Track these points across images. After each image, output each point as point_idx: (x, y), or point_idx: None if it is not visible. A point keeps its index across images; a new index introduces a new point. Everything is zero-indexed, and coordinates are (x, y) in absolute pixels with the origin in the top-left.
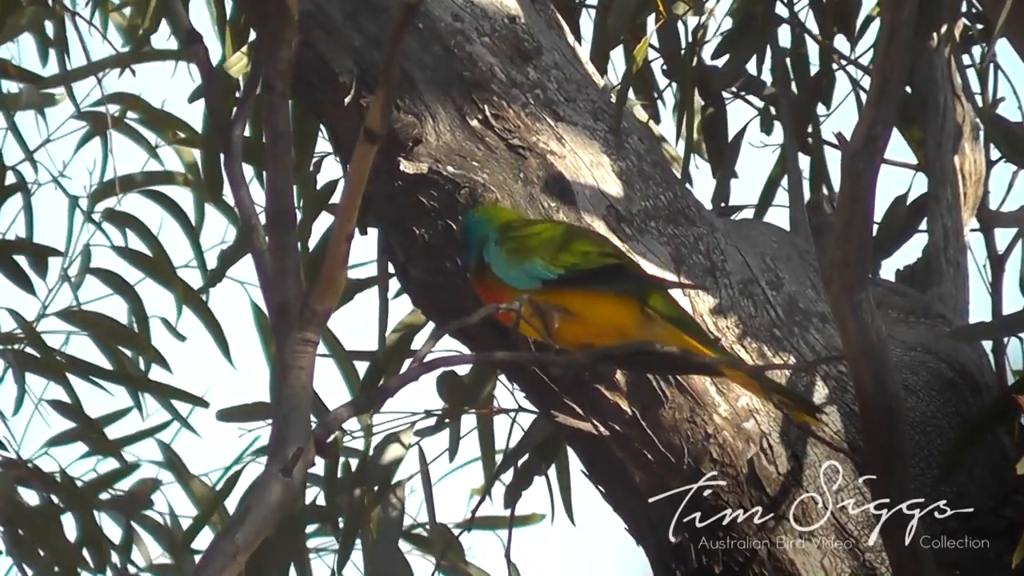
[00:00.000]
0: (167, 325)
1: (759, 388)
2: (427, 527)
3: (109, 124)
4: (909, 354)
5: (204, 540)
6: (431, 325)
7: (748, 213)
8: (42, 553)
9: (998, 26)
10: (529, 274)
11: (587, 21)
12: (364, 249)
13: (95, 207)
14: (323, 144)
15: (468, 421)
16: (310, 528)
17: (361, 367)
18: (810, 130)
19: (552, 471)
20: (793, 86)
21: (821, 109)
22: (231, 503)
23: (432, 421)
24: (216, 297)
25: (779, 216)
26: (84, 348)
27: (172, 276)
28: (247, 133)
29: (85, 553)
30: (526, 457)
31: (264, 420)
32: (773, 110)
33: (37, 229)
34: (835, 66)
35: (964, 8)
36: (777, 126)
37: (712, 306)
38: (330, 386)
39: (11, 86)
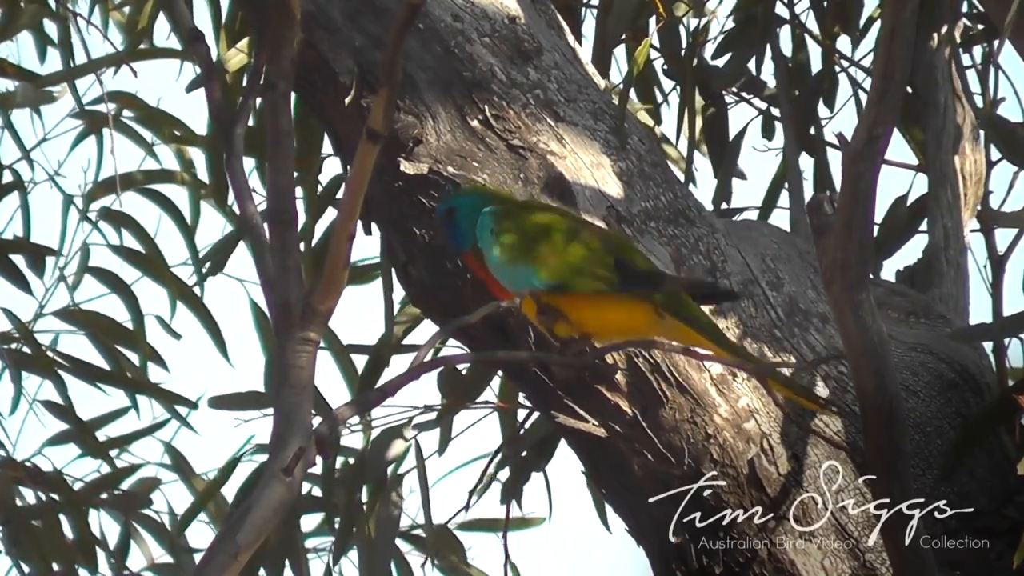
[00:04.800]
0: (162, 323)
1: (776, 383)
2: (424, 526)
3: (110, 123)
4: (910, 354)
5: (200, 534)
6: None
7: (752, 214)
8: (41, 553)
9: (1005, 29)
10: (522, 278)
11: (588, 22)
12: (364, 248)
13: (90, 206)
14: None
15: (470, 416)
16: (307, 527)
17: (359, 362)
18: (812, 131)
19: (565, 472)
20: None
21: (824, 111)
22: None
23: (431, 416)
24: (215, 295)
25: (780, 217)
26: (82, 347)
27: (166, 274)
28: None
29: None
30: (524, 454)
31: (257, 409)
32: (775, 112)
33: (33, 228)
34: (836, 67)
35: (965, 8)
36: (779, 129)
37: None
38: (329, 383)
39: (8, 84)
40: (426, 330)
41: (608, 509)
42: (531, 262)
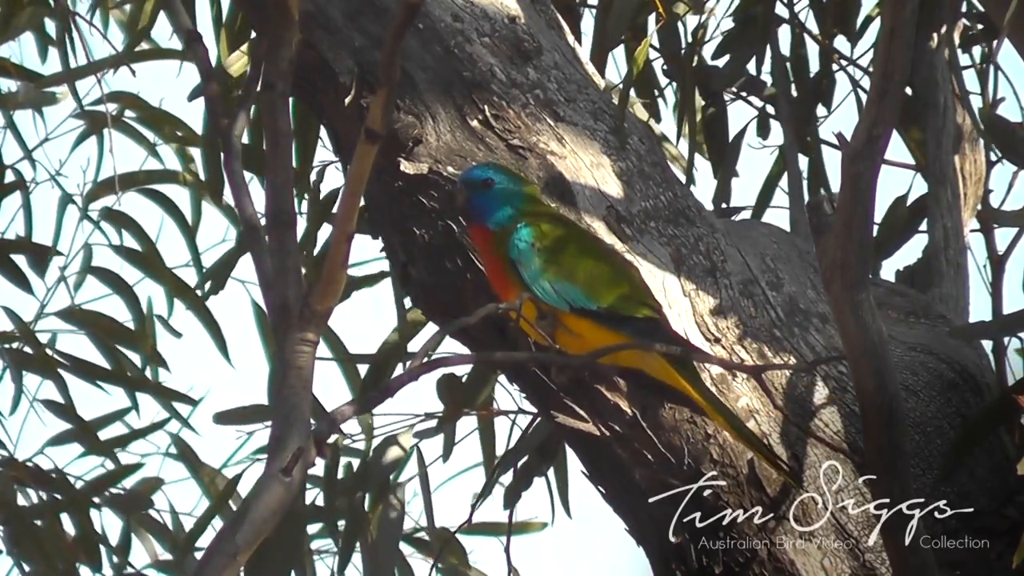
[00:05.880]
0: (162, 322)
1: (742, 438)
2: (427, 529)
3: (109, 123)
4: (910, 354)
5: (206, 538)
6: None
7: (747, 213)
8: (42, 553)
9: (1003, 28)
10: (565, 296)
11: (588, 21)
12: (363, 250)
13: (90, 205)
14: (324, 153)
15: (469, 423)
16: (311, 530)
17: (363, 369)
18: (809, 132)
19: (551, 470)
20: (793, 87)
21: (821, 110)
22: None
23: (432, 423)
24: (217, 297)
25: (779, 217)
26: (83, 348)
27: (166, 274)
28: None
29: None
30: (525, 458)
31: (261, 423)
32: (772, 111)
33: (35, 228)
34: (835, 67)
35: (964, 8)
36: (775, 127)
37: (712, 306)
38: (330, 386)
39: (11, 84)
40: (427, 336)
41: (605, 509)
42: (579, 284)
